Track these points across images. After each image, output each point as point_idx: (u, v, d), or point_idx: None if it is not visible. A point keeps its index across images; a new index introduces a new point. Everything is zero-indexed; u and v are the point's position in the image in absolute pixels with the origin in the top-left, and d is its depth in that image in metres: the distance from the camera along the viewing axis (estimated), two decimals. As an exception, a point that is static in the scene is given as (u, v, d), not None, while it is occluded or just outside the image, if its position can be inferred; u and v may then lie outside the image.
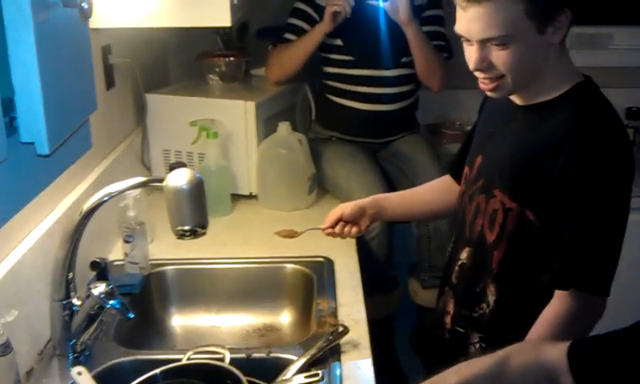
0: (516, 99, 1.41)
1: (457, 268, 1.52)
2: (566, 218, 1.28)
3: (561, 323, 1.32)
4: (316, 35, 2.29)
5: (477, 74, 1.34)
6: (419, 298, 2.35)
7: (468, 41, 1.32)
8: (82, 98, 1.17)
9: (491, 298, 1.43)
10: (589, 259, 1.29)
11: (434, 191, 1.75)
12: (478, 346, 1.47)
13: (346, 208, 1.66)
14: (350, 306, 1.63)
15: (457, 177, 1.66)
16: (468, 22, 1.28)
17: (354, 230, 1.67)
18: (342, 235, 1.68)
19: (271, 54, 2.40)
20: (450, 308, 1.54)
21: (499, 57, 1.29)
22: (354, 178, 2.26)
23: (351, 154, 2.36)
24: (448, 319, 1.55)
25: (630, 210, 1.34)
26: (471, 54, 1.32)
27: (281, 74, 2.40)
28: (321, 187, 2.35)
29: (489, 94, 1.38)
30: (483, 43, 1.28)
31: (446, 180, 1.73)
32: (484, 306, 1.44)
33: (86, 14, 1.06)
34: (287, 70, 2.38)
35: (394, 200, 1.76)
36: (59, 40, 1.04)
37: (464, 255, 1.50)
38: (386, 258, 2.20)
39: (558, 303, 1.32)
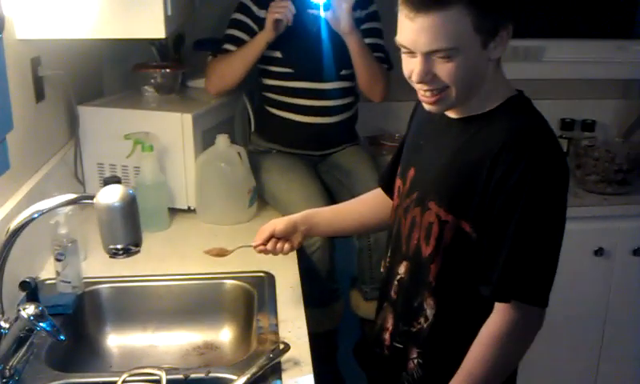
0: (449, 112, 1.40)
1: (395, 283, 1.50)
2: (504, 230, 1.28)
3: (502, 337, 1.32)
4: (257, 44, 2.26)
5: (418, 86, 1.32)
6: (361, 311, 2.34)
7: (410, 53, 1.29)
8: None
9: (430, 312, 1.42)
10: (529, 271, 1.30)
11: (366, 205, 1.74)
12: (416, 361, 1.46)
13: (278, 224, 1.63)
14: (292, 321, 1.61)
15: (388, 190, 1.65)
16: (414, 33, 1.25)
17: (287, 246, 1.64)
18: (274, 252, 1.64)
19: (210, 65, 2.36)
20: (389, 324, 1.53)
21: (444, 69, 1.27)
22: (293, 191, 2.24)
23: (291, 167, 2.34)
24: (387, 335, 1.54)
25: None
26: (413, 66, 1.29)
27: (221, 85, 2.36)
28: (261, 200, 2.32)
29: (429, 107, 1.36)
30: (428, 55, 1.27)
31: (378, 194, 1.71)
32: (422, 320, 1.43)
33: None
34: (228, 81, 2.34)
35: (325, 215, 1.74)
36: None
37: (402, 270, 1.49)
38: (327, 271, 2.18)
39: (498, 317, 1.32)
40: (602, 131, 3.00)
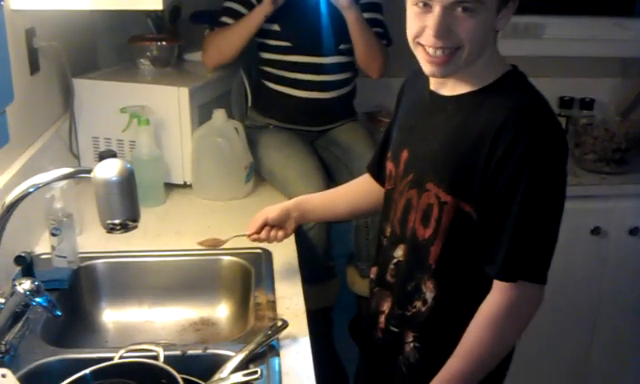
0: (442, 89, 1.38)
1: (392, 266, 1.48)
2: (508, 208, 1.26)
3: (503, 315, 1.31)
4: (255, 17, 2.23)
5: (431, 42, 1.27)
6: (357, 288, 2.34)
7: (426, 6, 1.25)
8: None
9: (429, 295, 1.40)
10: (533, 249, 1.29)
11: (358, 190, 1.73)
12: (412, 345, 1.45)
13: (271, 212, 1.63)
14: (289, 298, 1.60)
15: (377, 175, 1.64)
16: None
17: (280, 233, 1.65)
18: (268, 240, 1.65)
19: (208, 38, 2.33)
20: (385, 307, 1.51)
21: (465, 25, 1.24)
22: (290, 167, 2.22)
23: (288, 142, 2.32)
24: (382, 319, 1.52)
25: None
26: (428, 21, 1.25)
27: (218, 58, 2.33)
28: (258, 176, 2.30)
29: (434, 69, 1.31)
30: (450, 8, 1.23)
31: (368, 178, 1.70)
32: (418, 304, 1.42)
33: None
34: (225, 55, 2.31)
35: (317, 202, 1.72)
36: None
37: (399, 253, 1.46)
38: (324, 248, 2.17)
39: (499, 295, 1.31)
40: (600, 110, 2.98)
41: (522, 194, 1.25)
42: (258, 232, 1.63)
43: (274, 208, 1.64)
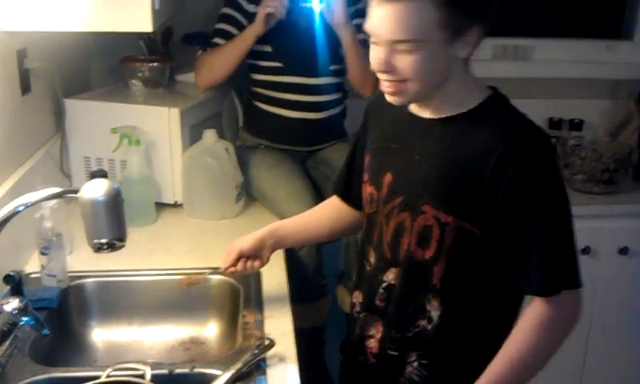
0: (424, 113, 1.39)
1: (381, 290, 1.46)
2: (531, 229, 1.28)
3: (550, 323, 1.32)
4: (247, 38, 2.25)
5: (380, 75, 1.33)
6: (347, 307, 2.33)
7: (376, 41, 1.30)
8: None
9: (434, 314, 1.39)
10: (566, 259, 1.31)
11: (329, 213, 1.72)
12: (416, 364, 1.44)
13: (245, 243, 1.61)
14: (277, 317, 1.60)
15: (347, 197, 1.65)
16: (380, 20, 1.25)
17: (257, 264, 1.63)
18: (245, 271, 1.63)
19: (200, 59, 2.35)
20: (373, 332, 1.50)
21: (404, 61, 1.26)
22: (281, 186, 2.23)
23: (279, 162, 2.34)
24: (372, 343, 1.50)
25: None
26: (376, 55, 1.29)
27: (210, 78, 2.34)
28: (249, 195, 2.31)
29: (389, 99, 1.35)
30: (390, 45, 1.26)
31: (334, 201, 1.70)
32: (422, 323, 1.41)
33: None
34: (217, 75, 2.32)
35: (291, 227, 1.71)
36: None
37: (390, 276, 1.45)
38: (314, 267, 2.18)
39: (543, 305, 1.31)
40: (589, 131, 3.01)
41: (541, 212, 1.27)
42: (234, 264, 1.62)
43: (247, 239, 1.63)
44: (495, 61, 2.99)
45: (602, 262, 2.60)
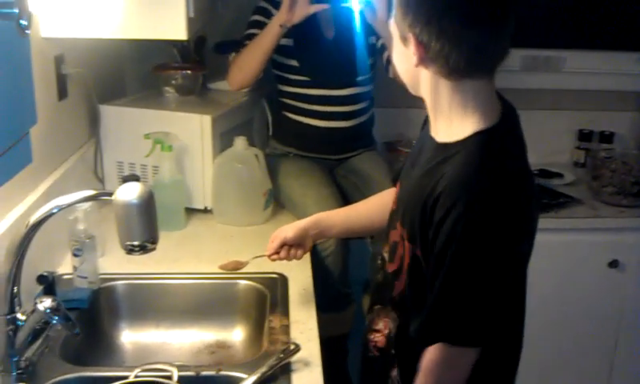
0: (433, 133, 1.36)
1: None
2: (437, 275, 1.25)
3: (435, 370, 1.28)
4: (273, 27, 2.24)
5: None
6: (373, 316, 2.35)
7: None
8: (21, 112, 1.14)
9: (392, 325, 1.41)
10: (454, 314, 1.25)
11: (376, 206, 1.71)
12: (397, 370, 1.45)
13: (289, 232, 1.65)
14: (303, 323, 1.62)
15: None
16: None
17: (300, 252, 1.67)
18: (288, 259, 1.67)
19: (232, 61, 2.38)
20: (382, 327, 1.50)
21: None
22: (309, 195, 2.25)
23: (307, 170, 2.36)
24: (379, 337, 1.50)
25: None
26: None
27: (241, 77, 2.36)
28: (277, 202, 2.34)
29: None
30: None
31: (388, 194, 1.67)
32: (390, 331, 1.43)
33: (24, 29, 1.03)
34: (247, 73, 2.33)
35: (336, 219, 1.73)
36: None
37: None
38: (340, 275, 2.20)
39: (432, 351, 1.28)
40: (620, 143, 3.00)
41: (448, 264, 1.22)
42: (277, 252, 1.66)
43: (291, 227, 1.66)
44: (525, 72, 2.98)
45: (630, 276, 2.59)
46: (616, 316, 2.65)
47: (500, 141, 1.27)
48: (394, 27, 1.30)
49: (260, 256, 1.70)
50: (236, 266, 1.74)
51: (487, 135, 1.25)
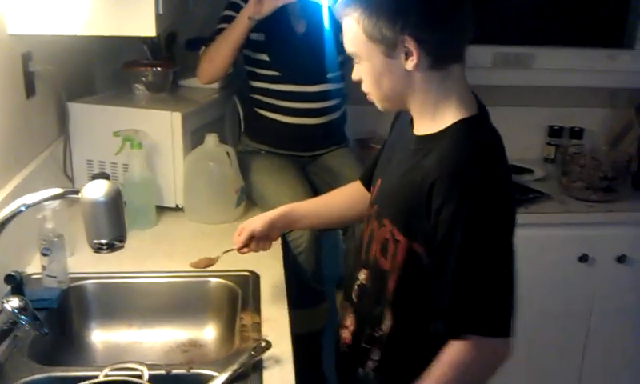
0: (414, 128, 1.38)
1: (356, 287, 1.50)
2: (445, 265, 1.26)
3: (464, 366, 1.28)
4: (241, 20, 2.23)
5: None
6: (346, 312, 2.36)
7: None
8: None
9: (388, 323, 1.41)
10: (477, 304, 1.26)
11: (344, 199, 1.74)
12: (372, 363, 1.45)
13: (257, 224, 1.65)
14: (275, 320, 1.62)
15: (367, 185, 1.66)
16: None
17: (267, 244, 1.69)
18: (256, 250, 1.68)
19: (202, 55, 2.37)
20: (349, 323, 1.53)
21: (357, 72, 1.36)
22: (281, 192, 2.25)
23: (279, 167, 2.36)
24: (346, 334, 1.53)
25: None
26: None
27: (211, 71, 2.35)
28: (249, 200, 2.33)
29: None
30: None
31: (357, 187, 1.71)
32: (383, 327, 1.42)
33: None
34: (216, 66, 2.32)
35: (303, 210, 1.74)
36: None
37: (362, 276, 1.48)
38: (313, 272, 2.20)
39: (460, 346, 1.28)
40: (589, 139, 3.03)
41: (456, 252, 1.23)
42: (247, 245, 1.66)
43: (259, 219, 1.67)
44: (496, 69, 3.01)
45: (600, 270, 2.62)
46: (586, 310, 2.68)
47: (481, 127, 1.32)
48: (368, 49, 1.29)
49: (229, 250, 1.69)
50: (207, 263, 1.74)
51: (470, 122, 1.30)
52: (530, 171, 2.88)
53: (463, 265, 1.24)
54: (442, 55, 1.28)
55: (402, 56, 1.26)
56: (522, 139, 2.97)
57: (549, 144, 3.03)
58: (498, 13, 3.08)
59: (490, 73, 2.97)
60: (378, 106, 1.39)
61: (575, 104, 3.09)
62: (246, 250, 1.67)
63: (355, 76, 1.37)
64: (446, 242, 1.24)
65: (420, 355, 1.35)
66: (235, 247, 1.67)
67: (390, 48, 1.26)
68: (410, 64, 1.27)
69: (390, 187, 1.41)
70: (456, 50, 1.31)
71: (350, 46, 1.33)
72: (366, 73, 1.33)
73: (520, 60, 3.04)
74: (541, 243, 2.54)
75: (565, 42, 3.13)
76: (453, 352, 1.29)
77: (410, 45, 1.25)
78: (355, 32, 1.29)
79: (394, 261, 1.37)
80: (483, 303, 1.26)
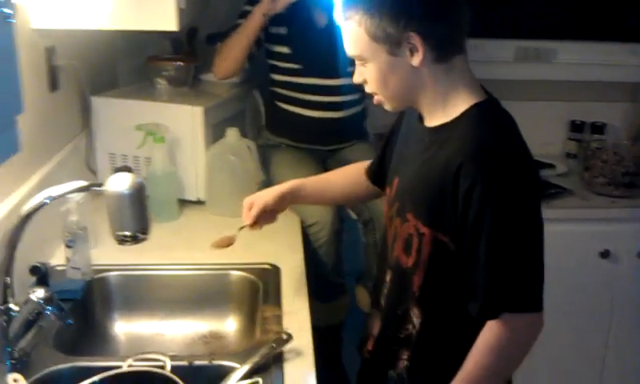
0: (425, 120, 1.40)
1: (385, 291, 1.51)
2: (477, 247, 1.26)
3: (501, 345, 1.30)
4: (254, 18, 2.26)
5: None
6: (366, 307, 2.36)
7: None
8: (5, 100, 1.13)
9: (416, 321, 1.41)
10: (511, 283, 1.27)
11: (348, 181, 1.77)
12: (405, 363, 1.46)
13: (269, 199, 1.67)
14: (295, 313, 1.63)
15: (375, 179, 1.69)
16: None
17: (274, 217, 1.72)
18: (262, 226, 1.70)
19: (217, 50, 2.39)
20: (375, 330, 1.54)
21: (363, 74, 1.37)
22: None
23: (300, 161, 2.37)
24: (371, 342, 1.55)
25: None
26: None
27: (225, 66, 2.37)
28: (269, 194, 2.34)
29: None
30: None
31: (358, 170, 1.74)
32: (409, 327, 1.43)
33: (7, 18, 1.03)
34: (230, 61, 2.35)
35: (310, 188, 1.76)
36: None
37: (387, 278, 1.49)
38: (333, 265, 2.21)
39: (495, 327, 1.29)
40: (612, 134, 3.01)
41: (488, 232, 1.24)
42: (257, 221, 1.67)
43: (268, 194, 1.68)
44: (518, 63, 2.99)
45: (622, 266, 2.60)
46: (607, 306, 2.66)
47: (495, 109, 1.35)
48: (372, 49, 1.31)
49: (244, 226, 1.69)
50: (228, 242, 1.74)
51: (483, 106, 1.33)
52: (552, 166, 2.86)
53: (496, 244, 1.25)
54: (445, 48, 1.30)
55: (407, 53, 1.28)
56: (544, 134, 2.97)
57: (570, 139, 3.01)
58: (520, 7, 3.06)
59: (511, 67, 2.95)
60: (386, 106, 1.40)
61: (597, 98, 3.07)
62: (257, 226, 1.68)
63: (358, 78, 1.39)
64: (477, 223, 1.25)
65: (452, 349, 1.36)
66: (249, 223, 1.67)
67: (395, 46, 1.28)
68: (417, 60, 1.28)
69: (409, 182, 1.42)
70: (457, 42, 1.33)
71: (352, 49, 1.34)
72: (371, 74, 1.35)
73: (541, 54, 3.02)
74: (562, 239, 2.52)
75: (586, 37, 3.10)
76: (490, 334, 1.30)
77: (416, 41, 1.26)
78: (358, 34, 1.31)
79: (419, 255, 1.37)
80: (517, 281, 1.28)
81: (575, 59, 3.04)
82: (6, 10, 1.03)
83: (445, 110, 1.34)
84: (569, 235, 2.54)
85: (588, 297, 2.63)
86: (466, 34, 1.34)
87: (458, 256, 1.31)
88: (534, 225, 1.29)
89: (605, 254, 2.56)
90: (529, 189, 1.29)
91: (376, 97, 1.40)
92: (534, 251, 1.29)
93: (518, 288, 1.28)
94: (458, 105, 1.33)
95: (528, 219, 1.28)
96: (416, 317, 1.41)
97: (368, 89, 1.39)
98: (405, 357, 1.46)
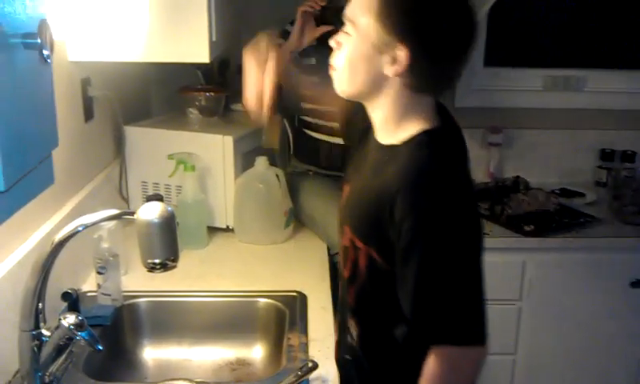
0: (377, 135, 1.38)
1: (339, 298, 1.55)
2: (406, 276, 1.25)
3: (440, 378, 1.26)
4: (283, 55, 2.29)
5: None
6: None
7: None
8: (43, 136, 1.17)
9: (354, 333, 1.42)
10: (441, 313, 1.24)
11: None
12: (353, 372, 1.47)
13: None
14: (321, 341, 1.64)
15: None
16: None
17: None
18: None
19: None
20: (336, 337, 1.57)
21: (343, 41, 1.31)
22: (330, 212, 2.26)
23: (328, 189, 2.38)
24: (336, 348, 1.56)
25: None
26: None
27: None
28: (298, 221, 2.36)
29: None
30: (347, 24, 1.31)
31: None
32: (348, 338, 1.45)
33: (46, 59, 1.07)
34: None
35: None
36: (18, 81, 1.03)
37: (340, 285, 1.52)
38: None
39: (432, 358, 1.26)
40: (642, 163, 2.99)
41: (418, 261, 1.22)
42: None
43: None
44: (546, 92, 2.99)
45: (654, 296, 2.57)
46: (638, 336, 2.62)
47: (442, 138, 1.31)
48: (368, 27, 1.26)
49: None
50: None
51: (430, 134, 1.30)
52: (582, 195, 2.84)
53: (425, 275, 1.23)
54: (423, 85, 1.28)
55: (389, 59, 1.25)
56: (574, 162, 2.95)
57: (600, 167, 2.99)
58: (548, 35, 3.07)
59: (540, 96, 2.95)
60: (337, 86, 1.37)
61: (627, 127, 3.05)
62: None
63: (336, 39, 1.34)
64: (408, 250, 1.22)
65: (391, 367, 1.36)
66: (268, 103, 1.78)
67: (383, 44, 1.25)
68: (391, 71, 1.26)
69: (354, 196, 1.42)
70: (437, 88, 1.32)
71: (355, 11, 1.28)
72: (349, 47, 1.30)
73: (570, 83, 3.02)
74: (592, 268, 2.51)
75: (615, 65, 3.09)
76: (429, 365, 1.26)
77: (402, 58, 1.24)
78: (368, 6, 1.26)
79: (353, 268, 1.38)
80: (447, 313, 1.24)
81: (604, 88, 3.03)
82: (45, 52, 1.07)
83: (396, 131, 1.32)
84: (598, 264, 2.53)
85: (618, 327, 2.59)
86: (449, 87, 1.34)
87: (389, 276, 1.29)
88: (466, 259, 1.24)
89: (636, 284, 2.53)
90: (462, 223, 1.24)
91: (333, 72, 1.36)
92: (467, 283, 1.24)
93: (449, 321, 1.24)
94: (409, 130, 1.31)
95: (459, 253, 1.23)
96: (353, 328, 1.43)
97: (334, 58, 1.34)
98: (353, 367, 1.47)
